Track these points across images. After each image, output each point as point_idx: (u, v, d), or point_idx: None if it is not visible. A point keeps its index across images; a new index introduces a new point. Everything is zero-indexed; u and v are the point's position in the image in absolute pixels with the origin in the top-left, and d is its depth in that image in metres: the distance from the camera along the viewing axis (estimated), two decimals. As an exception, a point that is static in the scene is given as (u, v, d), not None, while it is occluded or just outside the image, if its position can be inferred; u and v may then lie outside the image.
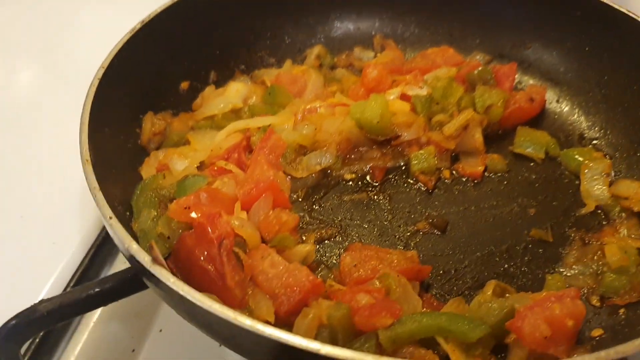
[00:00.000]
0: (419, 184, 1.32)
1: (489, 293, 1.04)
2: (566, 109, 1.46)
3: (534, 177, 1.33)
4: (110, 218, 0.93)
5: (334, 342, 0.94)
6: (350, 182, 1.31)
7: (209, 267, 0.98)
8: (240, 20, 1.52)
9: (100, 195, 0.97)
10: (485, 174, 1.34)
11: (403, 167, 1.34)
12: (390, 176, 1.33)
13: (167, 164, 1.21)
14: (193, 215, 1.00)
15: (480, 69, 1.43)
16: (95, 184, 0.98)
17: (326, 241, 1.20)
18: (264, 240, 1.08)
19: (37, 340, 1.14)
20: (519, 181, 1.32)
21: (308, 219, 1.24)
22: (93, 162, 1.03)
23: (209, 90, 1.41)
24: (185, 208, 1.01)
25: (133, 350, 1.19)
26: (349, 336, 0.95)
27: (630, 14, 1.35)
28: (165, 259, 1.05)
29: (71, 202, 1.37)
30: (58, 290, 1.26)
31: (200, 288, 0.98)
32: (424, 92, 1.37)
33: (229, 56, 1.52)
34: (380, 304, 0.97)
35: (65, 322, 1.18)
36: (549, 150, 1.36)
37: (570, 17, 1.45)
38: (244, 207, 1.09)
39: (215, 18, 1.47)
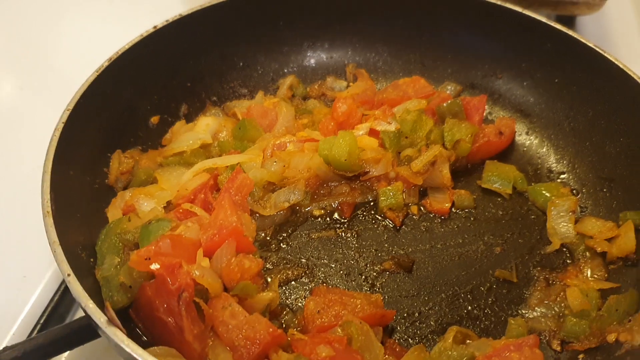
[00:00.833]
0: (387, 220, 1.32)
1: (449, 341, 1.05)
2: (535, 141, 1.47)
3: (501, 213, 1.34)
4: (69, 275, 0.94)
5: (293, 394, 0.95)
6: (319, 219, 1.32)
7: (169, 319, 0.98)
8: (211, 51, 1.52)
9: (59, 250, 0.97)
10: (453, 209, 1.34)
11: (372, 203, 1.35)
12: (359, 212, 1.34)
13: (134, 204, 1.21)
14: (153, 266, 1.00)
15: (449, 102, 1.43)
16: (55, 239, 0.98)
17: (292, 282, 1.20)
18: (227, 288, 1.08)
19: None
20: (486, 217, 1.33)
21: (275, 258, 1.24)
22: (54, 211, 1.03)
23: (179, 125, 1.41)
24: (146, 259, 1.01)
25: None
26: (308, 388, 0.96)
27: (597, 49, 1.36)
28: (128, 307, 1.06)
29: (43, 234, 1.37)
30: (28, 328, 1.26)
31: (160, 338, 0.99)
32: (392, 127, 1.37)
33: (201, 88, 1.51)
34: (340, 356, 0.98)
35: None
36: (516, 185, 1.37)
37: (540, 49, 1.46)
38: (207, 253, 1.09)
39: (185, 50, 1.47)
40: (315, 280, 1.21)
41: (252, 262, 1.09)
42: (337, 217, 1.32)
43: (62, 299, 1.31)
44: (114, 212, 1.22)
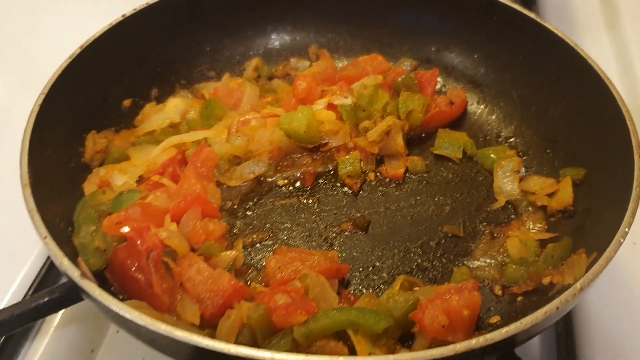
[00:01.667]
0: (346, 187, 1.42)
1: (397, 287, 1.15)
2: (486, 110, 1.56)
3: (451, 176, 1.44)
4: (45, 237, 1.03)
5: (253, 340, 1.05)
6: (283, 188, 1.42)
7: (139, 276, 1.08)
8: (179, 37, 1.61)
9: (37, 216, 1.06)
10: (407, 175, 1.44)
11: (332, 172, 1.44)
12: (320, 181, 1.43)
13: (108, 180, 1.31)
14: (124, 230, 1.10)
15: (403, 76, 1.53)
16: (33, 206, 1.08)
17: (257, 245, 1.30)
18: (193, 249, 1.17)
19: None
20: (438, 180, 1.43)
21: (241, 224, 1.34)
22: (32, 185, 1.12)
23: (149, 106, 1.50)
24: (117, 223, 1.11)
25: (92, 351, 1.28)
26: (267, 334, 1.06)
27: (537, 19, 1.46)
28: (104, 269, 1.16)
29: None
30: (19, 299, 1.36)
31: (133, 294, 1.09)
32: (348, 101, 1.47)
33: (170, 72, 1.61)
34: (296, 303, 1.08)
35: (24, 328, 1.27)
36: (466, 150, 1.47)
37: (487, 23, 1.55)
38: (175, 218, 1.19)
39: (154, 37, 1.56)
40: (279, 242, 1.31)
41: (216, 225, 1.19)
42: (300, 186, 1.42)
43: (49, 273, 1.40)
44: (89, 187, 1.31)
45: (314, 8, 1.70)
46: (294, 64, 1.70)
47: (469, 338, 1.01)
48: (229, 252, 1.18)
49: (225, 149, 1.37)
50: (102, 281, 1.14)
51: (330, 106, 1.48)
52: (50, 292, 1.12)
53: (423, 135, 1.52)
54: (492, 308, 1.18)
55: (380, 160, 1.47)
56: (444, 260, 1.27)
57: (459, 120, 1.55)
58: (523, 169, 1.41)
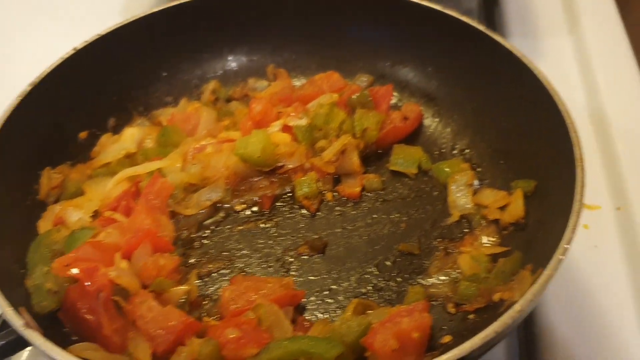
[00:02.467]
0: (304, 208, 1.43)
1: (349, 312, 1.16)
2: (440, 123, 1.57)
3: (407, 192, 1.45)
4: (-11, 287, 1.04)
5: (206, 375, 1.06)
6: (241, 213, 1.43)
7: (90, 317, 1.09)
8: (134, 65, 1.61)
9: (-19, 263, 1.07)
10: (364, 193, 1.45)
11: (290, 194, 1.45)
12: (278, 203, 1.44)
13: (63, 216, 1.31)
14: (73, 271, 1.11)
15: (358, 94, 1.54)
16: (-20, 256, 1.08)
17: (214, 274, 1.31)
18: (146, 286, 1.18)
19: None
20: (394, 197, 1.44)
21: (198, 254, 1.35)
22: (-18, 230, 1.13)
23: (105, 137, 1.51)
24: (66, 265, 1.12)
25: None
26: (219, 369, 1.07)
27: (486, 32, 1.46)
28: (58, 311, 1.17)
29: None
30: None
31: (85, 335, 1.10)
32: (303, 122, 1.48)
33: (127, 100, 1.61)
34: (247, 336, 1.09)
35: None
36: (421, 164, 1.48)
37: (438, 36, 1.56)
38: (127, 255, 1.20)
39: (108, 67, 1.56)
40: (235, 270, 1.32)
41: (167, 260, 1.20)
42: (258, 210, 1.43)
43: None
44: (44, 225, 1.32)
45: (270, 28, 1.71)
46: (252, 84, 1.71)
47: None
48: (181, 286, 1.19)
49: (180, 177, 1.38)
50: (55, 321, 1.15)
51: (286, 128, 1.49)
52: (6, 335, 1.13)
53: (380, 151, 1.53)
54: (444, 327, 1.19)
55: (337, 180, 1.47)
56: (399, 279, 1.28)
57: (415, 135, 1.56)
58: (477, 182, 1.42)
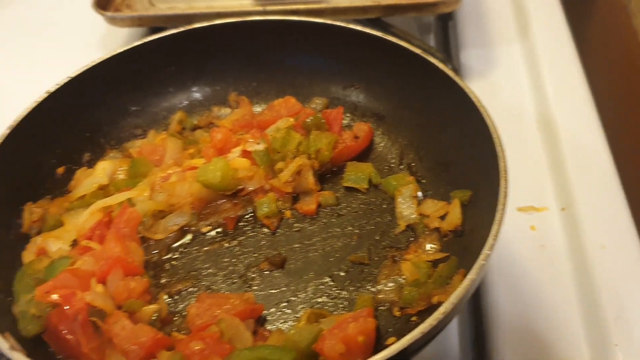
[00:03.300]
0: (265, 227, 1.56)
1: (303, 321, 1.29)
2: (389, 140, 1.71)
3: (359, 206, 1.58)
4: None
5: (175, 385, 1.19)
6: (207, 235, 1.55)
7: (70, 337, 1.22)
8: (104, 102, 1.74)
9: (-31, 297, 1.20)
10: (320, 209, 1.58)
11: (252, 214, 1.59)
12: (241, 223, 1.57)
13: (44, 247, 1.44)
14: (53, 297, 1.24)
15: (311, 117, 1.67)
16: (-34, 288, 1.21)
17: (182, 292, 1.44)
18: (120, 307, 1.31)
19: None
20: (348, 211, 1.57)
21: (167, 275, 1.48)
22: (-33, 266, 1.26)
23: (80, 172, 1.63)
24: (46, 292, 1.25)
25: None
26: (186, 379, 1.20)
27: (422, 55, 1.59)
28: (42, 334, 1.30)
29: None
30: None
31: (68, 355, 1.23)
32: (261, 147, 1.61)
33: (99, 135, 1.74)
34: (210, 347, 1.22)
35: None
36: (372, 179, 1.61)
37: (380, 60, 1.69)
38: (101, 280, 1.33)
39: (80, 106, 1.69)
40: (202, 288, 1.44)
41: (137, 283, 1.33)
42: (222, 231, 1.56)
43: None
44: (28, 256, 1.45)
45: (230, 60, 1.84)
46: (215, 112, 1.84)
47: (365, 361, 1.16)
48: (151, 306, 1.32)
49: (148, 206, 1.51)
50: (41, 344, 1.28)
51: (245, 153, 1.62)
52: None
53: (335, 169, 1.66)
54: (390, 329, 1.32)
55: (296, 198, 1.60)
56: (351, 288, 1.41)
57: (366, 152, 1.69)
58: (420, 193, 1.55)
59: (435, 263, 1.41)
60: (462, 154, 1.53)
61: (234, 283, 1.45)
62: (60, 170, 1.65)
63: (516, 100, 2.17)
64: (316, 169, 1.62)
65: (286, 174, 1.57)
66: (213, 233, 1.56)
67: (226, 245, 1.53)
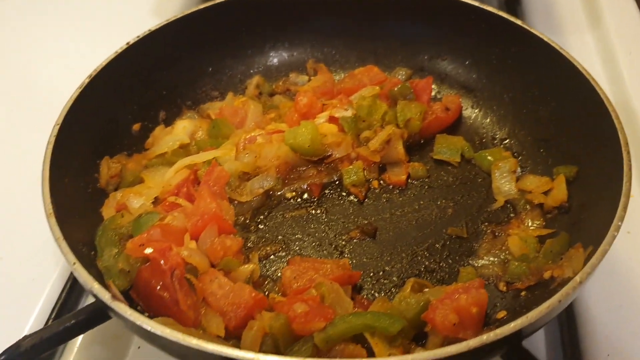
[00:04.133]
0: (352, 195, 1.48)
1: (407, 290, 1.22)
2: (480, 113, 1.63)
3: (451, 179, 1.51)
4: (74, 264, 1.09)
5: (276, 348, 1.12)
6: (291, 200, 1.48)
7: (165, 294, 1.15)
8: (182, 61, 1.67)
9: (64, 244, 1.12)
10: (409, 180, 1.51)
11: (337, 182, 1.51)
12: (327, 191, 1.50)
13: (125, 203, 1.37)
14: (147, 251, 1.16)
15: (399, 86, 1.60)
16: (59, 234, 1.14)
17: (271, 257, 1.37)
18: (213, 265, 1.24)
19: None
20: (439, 184, 1.50)
21: (255, 238, 1.40)
22: (55, 214, 1.18)
23: (159, 129, 1.57)
24: (140, 245, 1.17)
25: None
26: (289, 342, 1.12)
27: (522, 25, 1.53)
28: (128, 290, 1.22)
29: (46, 240, 1.52)
30: (41, 323, 1.41)
31: (159, 312, 1.15)
32: (349, 113, 1.54)
33: (176, 95, 1.67)
34: (314, 311, 1.14)
35: (50, 352, 1.33)
36: (464, 153, 1.54)
37: (476, 30, 1.62)
38: (193, 237, 1.25)
39: (157, 62, 1.63)
40: (291, 253, 1.37)
41: (233, 241, 1.26)
42: (307, 197, 1.49)
43: (69, 295, 1.45)
44: (108, 211, 1.38)
45: (309, 24, 1.77)
46: (293, 79, 1.77)
47: (478, 334, 1.08)
48: (246, 265, 1.25)
49: (234, 166, 1.44)
50: (128, 300, 1.20)
51: (332, 119, 1.55)
52: (76, 315, 1.17)
53: (422, 141, 1.59)
54: (497, 304, 1.24)
55: (382, 168, 1.53)
56: (450, 261, 1.33)
57: (455, 125, 1.62)
58: (519, 169, 1.48)
59: (540, 239, 1.33)
60: (565, 129, 1.46)
61: (324, 250, 1.38)
62: (137, 126, 1.59)
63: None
64: (405, 139, 1.55)
65: (376, 141, 1.50)
66: (298, 199, 1.49)
67: (312, 211, 1.46)
